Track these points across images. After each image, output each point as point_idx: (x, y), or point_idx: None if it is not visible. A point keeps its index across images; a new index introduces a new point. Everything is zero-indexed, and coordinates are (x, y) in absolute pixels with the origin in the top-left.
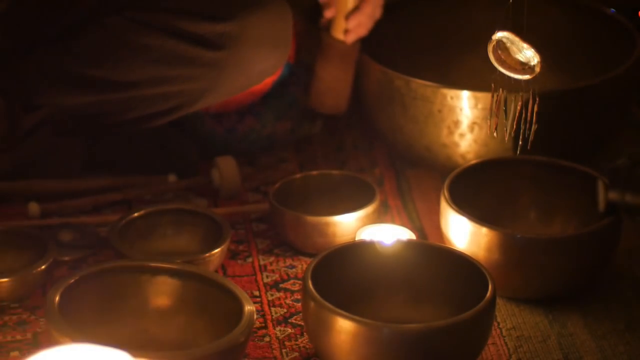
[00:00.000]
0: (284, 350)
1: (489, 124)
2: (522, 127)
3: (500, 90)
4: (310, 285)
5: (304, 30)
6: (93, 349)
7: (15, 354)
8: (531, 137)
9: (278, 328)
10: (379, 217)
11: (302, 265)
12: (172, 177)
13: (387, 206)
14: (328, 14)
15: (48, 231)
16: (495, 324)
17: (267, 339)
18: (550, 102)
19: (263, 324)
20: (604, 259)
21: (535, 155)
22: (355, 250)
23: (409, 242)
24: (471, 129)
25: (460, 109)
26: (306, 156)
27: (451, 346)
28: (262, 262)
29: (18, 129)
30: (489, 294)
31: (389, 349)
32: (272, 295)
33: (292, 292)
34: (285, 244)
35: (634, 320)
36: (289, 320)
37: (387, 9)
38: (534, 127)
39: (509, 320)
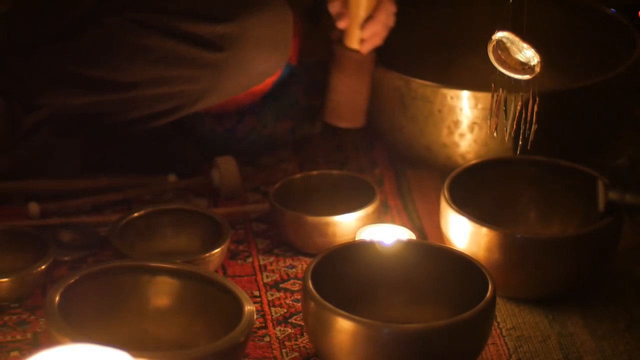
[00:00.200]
0: (284, 350)
1: (489, 124)
2: (522, 127)
3: (500, 90)
4: (310, 285)
5: (304, 31)
6: (93, 349)
7: (15, 354)
8: (531, 137)
9: (278, 328)
10: (379, 217)
11: (302, 265)
12: (172, 177)
13: (387, 206)
14: (342, 24)
15: (48, 231)
16: (495, 324)
17: (267, 339)
18: (550, 102)
19: (263, 324)
20: (604, 259)
21: (535, 155)
22: (355, 250)
23: (409, 242)
24: (471, 129)
25: (460, 109)
26: (306, 156)
27: (451, 346)
28: (262, 262)
29: (18, 129)
30: (489, 294)
31: (389, 349)
32: (272, 295)
33: (292, 292)
34: (285, 244)
35: (634, 320)
36: (289, 320)
37: None
38: (534, 127)
39: (509, 320)
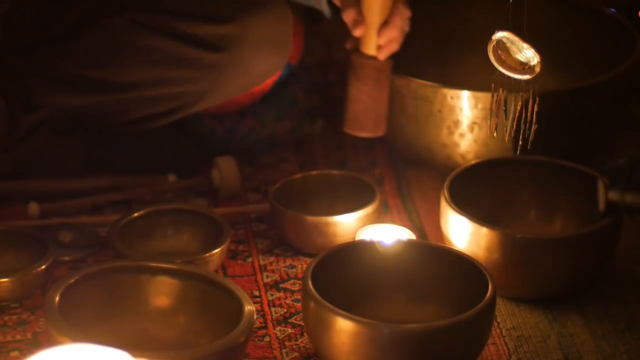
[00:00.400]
0: (284, 350)
1: (489, 124)
2: (522, 127)
3: (500, 90)
4: (310, 285)
5: (304, 31)
6: (93, 349)
7: (15, 354)
8: (531, 137)
9: (278, 328)
10: (379, 217)
11: (302, 265)
12: (172, 177)
13: (387, 206)
14: (358, 32)
15: (48, 231)
16: (495, 324)
17: (267, 339)
18: (550, 102)
19: (263, 324)
20: (604, 259)
21: (535, 155)
22: (355, 250)
23: (409, 242)
24: (471, 129)
25: (460, 109)
26: (306, 156)
27: (451, 346)
28: (262, 262)
29: (18, 129)
30: (489, 294)
31: (389, 349)
32: (272, 295)
33: (292, 292)
34: (285, 244)
35: (634, 320)
36: (289, 320)
37: None
38: (534, 127)
39: (509, 320)
